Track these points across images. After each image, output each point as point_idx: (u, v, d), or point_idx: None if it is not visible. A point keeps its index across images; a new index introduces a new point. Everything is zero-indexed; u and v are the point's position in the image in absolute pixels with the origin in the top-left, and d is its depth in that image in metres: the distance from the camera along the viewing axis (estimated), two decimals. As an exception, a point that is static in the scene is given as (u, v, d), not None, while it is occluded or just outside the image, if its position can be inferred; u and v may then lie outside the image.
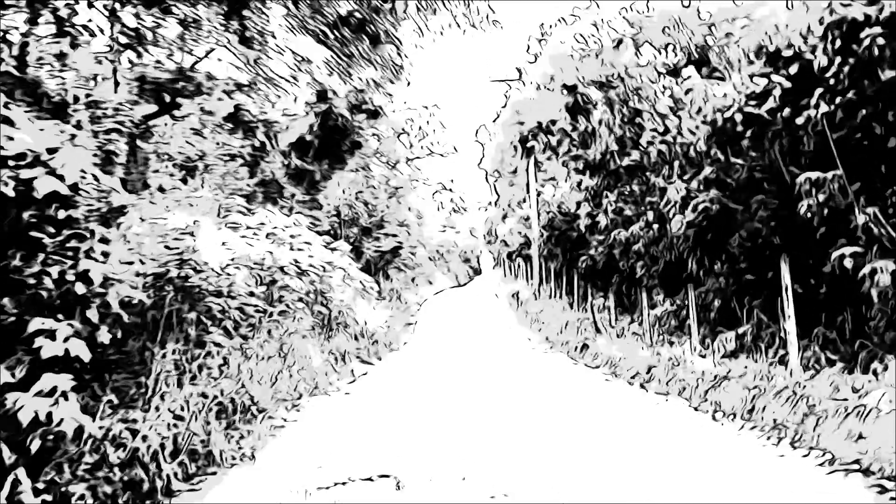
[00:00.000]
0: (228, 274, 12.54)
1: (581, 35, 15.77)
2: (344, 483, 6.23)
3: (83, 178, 6.65)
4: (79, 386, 5.19)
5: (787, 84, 11.11)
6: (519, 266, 40.27)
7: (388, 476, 6.37)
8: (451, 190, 55.65)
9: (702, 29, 13.67)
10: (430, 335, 21.66)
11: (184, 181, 18.92)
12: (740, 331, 10.80)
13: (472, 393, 10.80)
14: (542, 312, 23.46)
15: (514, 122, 20.05)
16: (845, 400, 6.75)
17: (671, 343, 12.69)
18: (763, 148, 11.73)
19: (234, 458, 7.21)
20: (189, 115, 18.10)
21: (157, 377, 7.85)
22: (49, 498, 4.55)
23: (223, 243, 14.16)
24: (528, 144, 18.87)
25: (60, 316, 5.19)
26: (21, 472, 4.42)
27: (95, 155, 12.26)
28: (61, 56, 10.58)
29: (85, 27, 10.56)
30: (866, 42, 9.60)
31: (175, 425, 6.74)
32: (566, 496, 5.67)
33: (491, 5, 14.66)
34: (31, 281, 5.23)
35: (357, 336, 16.89)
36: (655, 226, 15.53)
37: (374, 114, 18.78)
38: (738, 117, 11.86)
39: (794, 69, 11.18)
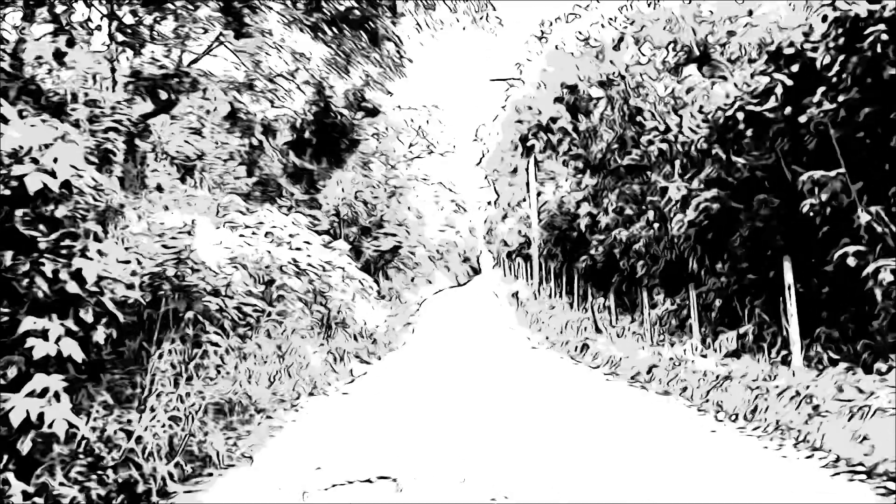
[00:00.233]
0: (226, 273, 12.47)
1: (581, 33, 15.70)
2: (342, 485, 6.14)
3: (80, 176, 6.57)
4: (73, 386, 5.11)
5: (789, 82, 11.03)
6: (519, 266, 40.18)
7: (387, 478, 6.28)
8: (450, 189, 55.56)
9: (703, 27, 13.58)
10: (430, 335, 21.58)
11: (182, 180, 18.87)
12: (742, 330, 10.72)
13: (471, 393, 10.73)
14: (541, 312, 23.39)
15: (513, 120, 19.96)
16: (850, 401, 6.66)
17: (672, 343, 12.61)
18: (765, 146, 11.66)
19: (231, 460, 7.12)
20: (188, 114, 18.04)
21: (153, 377, 7.77)
22: (40, 501, 4.47)
23: (221, 242, 14.09)
24: (528, 143, 18.78)
25: (54, 316, 5.11)
26: (10, 475, 4.34)
27: (92, 153, 12.20)
28: (59, 55, 10.49)
29: (82, 25, 10.47)
30: (870, 40, 9.53)
31: (171, 426, 6.66)
32: (567, 497, 5.59)
33: (492, 3, 14.58)
34: (24, 280, 5.15)
35: (356, 336, 16.82)
36: (656, 225, 15.46)
37: (373, 111, 18.70)
38: (740, 116, 11.78)
39: (796, 67, 11.10)
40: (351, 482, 6.21)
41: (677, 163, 14.43)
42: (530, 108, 17.67)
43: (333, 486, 6.11)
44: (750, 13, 12.70)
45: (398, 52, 13.71)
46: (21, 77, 7.31)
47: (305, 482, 6.22)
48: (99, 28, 11.00)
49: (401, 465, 6.63)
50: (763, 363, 9.42)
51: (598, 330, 16.96)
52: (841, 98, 9.90)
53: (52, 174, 4.57)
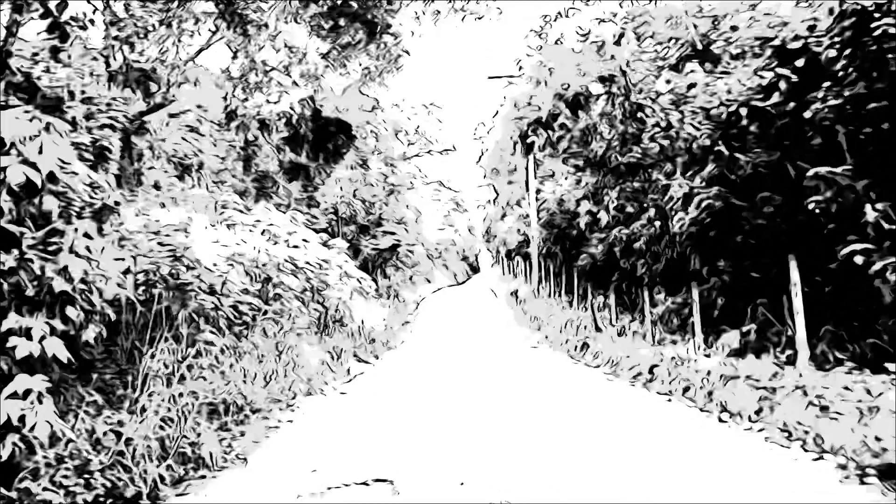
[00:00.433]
0: (222, 271, 12.32)
1: (582, 28, 15.52)
2: (338, 487, 5.98)
3: (70, 172, 6.39)
4: (59, 387, 4.94)
5: (794, 77, 10.88)
6: (518, 264, 40.02)
7: (384, 480, 6.12)
8: (449, 188, 55.43)
9: (705, 22, 13.41)
10: (429, 334, 21.43)
11: (179, 178, 18.70)
12: (745, 329, 10.56)
13: (470, 394, 10.57)
14: (541, 311, 23.22)
15: (512, 118, 19.79)
16: (860, 402, 6.50)
17: (674, 342, 12.45)
18: (768, 143, 11.49)
19: (225, 461, 6.95)
20: (186, 112, 17.88)
21: (145, 377, 7.61)
22: (24, 506, 4.30)
23: (217, 240, 13.94)
24: (528, 141, 18.59)
25: (39, 314, 4.93)
26: (-8, 479, 4.18)
27: (88, 150, 12.03)
28: (55, 51, 10.31)
29: (74, 18, 10.29)
30: (877, 33, 9.38)
31: (163, 427, 6.49)
32: (568, 499, 5.43)
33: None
34: (11, 277, 4.98)
35: (354, 334, 16.66)
36: (657, 223, 15.31)
37: (370, 107, 18.51)
38: (743, 112, 11.62)
39: (800, 62, 10.94)
40: (347, 485, 6.05)
41: (679, 160, 14.27)
42: (529, 104, 17.48)
43: (329, 489, 5.95)
44: (753, 7, 12.53)
45: (396, 43, 13.51)
46: (10, 66, 7.12)
47: (300, 485, 6.06)
48: (92, 22, 10.80)
49: (399, 468, 6.47)
50: (768, 363, 9.25)
51: (598, 329, 16.79)
52: (846, 93, 9.75)
53: (36, 167, 4.40)
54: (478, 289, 45.93)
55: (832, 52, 10.22)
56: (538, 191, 28.04)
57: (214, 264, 12.36)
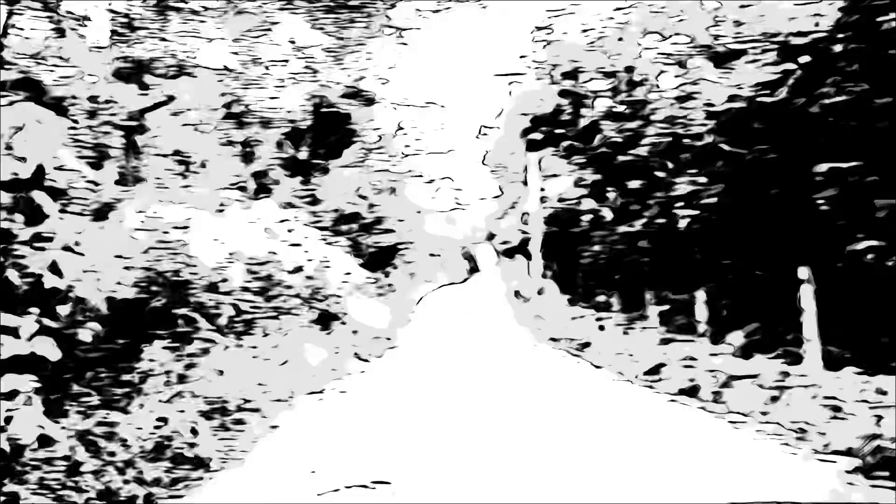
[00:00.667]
0: (222, 268, 12.19)
1: (587, 24, 15.37)
2: (337, 490, 5.84)
3: (70, 170, 6.24)
4: (50, 387, 4.80)
5: (800, 73, 10.74)
6: (520, 262, 39.89)
7: (384, 482, 5.98)
8: (451, 186, 55.24)
9: (711, 17, 13.26)
10: (430, 332, 21.31)
11: (180, 174, 18.58)
12: (753, 328, 10.41)
13: (472, 393, 10.43)
14: (543, 309, 23.09)
15: (516, 115, 19.66)
16: (878, 404, 6.35)
17: (679, 341, 12.29)
18: (775, 139, 11.34)
19: (223, 462, 6.81)
20: (187, 111, 17.76)
21: (142, 376, 7.48)
22: (11, 511, 4.16)
23: (217, 238, 13.81)
24: (530, 138, 18.47)
25: (31, 311, 4.79)
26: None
27: (85, 147, 11.91)
28: (57, 49, 10.23)
29: (70, 12, 10.19)
30: (884, 28, 9.24)
31: (158, 427, 6.35)
32: (571, 501, 5.29)
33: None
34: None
35: (355, 333, 16.54)
36: (661, 220, 15.16)
37: (370, 100, 18.38)
38: (749, 108, 11.49)
39: (807, 58, 10.80)
40: (346, 487, 5.91)
41: (683, 157, 14.12)
42: (533, 101, 17.36)
43: (328, 490, 5.81)
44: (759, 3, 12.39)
45: (399, 35, 13.34)
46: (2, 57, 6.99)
47: (299, 487, 5.92)
48: (88, 18, 10.69)
49: (399, 469, 6.34)
50: (776, 362, 9.09)
51: (601, 327, 16.65)
52: (854, 88, 9.62)
53: (23, 160, 4.26)
54: (479, 287, 45.83)
55: (839, 48, 10.10)
56: (541, 188, 27.89)
57: (216, 261, 12.24)
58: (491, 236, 54.12)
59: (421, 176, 43.23)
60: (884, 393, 6.59)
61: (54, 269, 4.67)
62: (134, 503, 5.29)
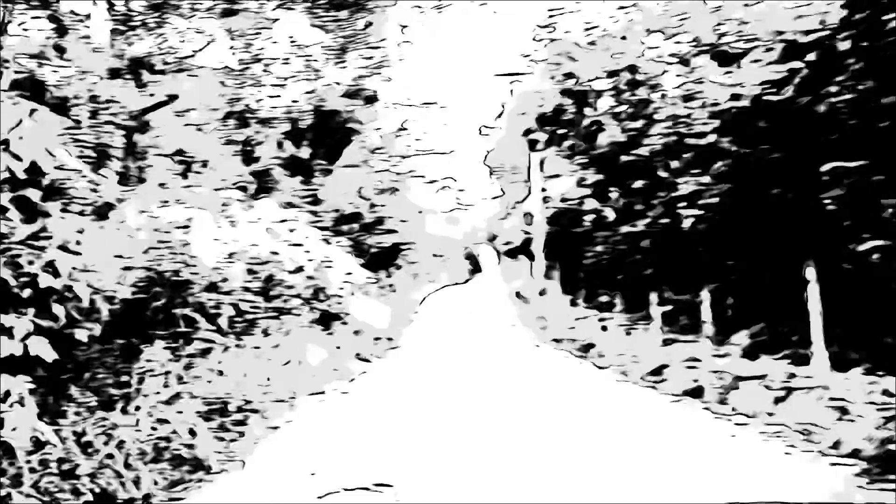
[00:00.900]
0: (223, 268, 12.11)
1: (589, 23, 15.28)
2: (337, 492, 5.76)
3: (69, 168, 6.16)
4: (46, 388, 4.73)
5: (806, 71, 10.64)
6: (522, 262, 39.79)
7: (385, 485, 5.90)
8: (453, 186, 55.13)
9: (715, 15, 13.17)
10: (432, 333, 21.24)
11: (182, 175, 18.50)
12: (757, 328, 10.32)
13: (474, 394, 10.35)
14: (545, 310, 23.00)
15: (518, 114, 19.58)
16: (886, 405, 6.26)
17: (683, 341, 12.19)
18: (780, 138, 11.24)
19: (222, 464, 6.73)
20: (190, 111, 17.69)
21: (141, 376, 7.40)
22: (5, 514, 4.08)
23: (218, 238, 13.73)
24: (532, 137, 18.38)
25: (26, 311, 4.72)
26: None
27: (87, 146, 11.84)
28: (59, 48, 10.17)
29: (73, 11, 10.13)
30: (891, 26, 9.14)
31: (156, 428, 6.27)
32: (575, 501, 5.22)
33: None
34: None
35: (356, 333, 16.45)
36: (665, 220, 15.05)
37: (371, 99, 18.28)
38: (753, 107, 11.39)
39: (812, 56, 10.71)
40: (347, 489, 5.83)
41: (687, 156, 14.02)
42: (535, 101, 17.27)
43: (328, 493, 5.73)
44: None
45: (401, 32, 13.26)
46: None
47: (299, 489, 5.84)
48: (88, 17, 10.62)
49: (400, 472, 6.26)
50: (781, 363, 9.00)
51: (604, 328, 16.56)
52: (860, 87, 9.51)
53: (19, 158, 4.19)
54: (481, 287, 45.76)
55: (845, 46, 10.00)
56: (543, 188, 27.80)
57: (216, 261, 12.16)
58: (493, 237, 54.05)
59: (424, 175, 43.14)
60: (892, 395, 6.50)
61: (50, 268, 4.60)
62: (131, 506, 5.22)
